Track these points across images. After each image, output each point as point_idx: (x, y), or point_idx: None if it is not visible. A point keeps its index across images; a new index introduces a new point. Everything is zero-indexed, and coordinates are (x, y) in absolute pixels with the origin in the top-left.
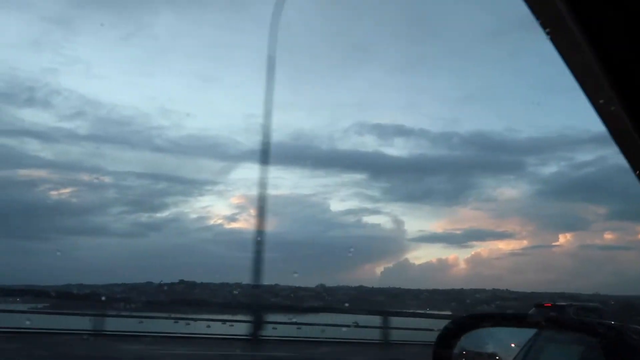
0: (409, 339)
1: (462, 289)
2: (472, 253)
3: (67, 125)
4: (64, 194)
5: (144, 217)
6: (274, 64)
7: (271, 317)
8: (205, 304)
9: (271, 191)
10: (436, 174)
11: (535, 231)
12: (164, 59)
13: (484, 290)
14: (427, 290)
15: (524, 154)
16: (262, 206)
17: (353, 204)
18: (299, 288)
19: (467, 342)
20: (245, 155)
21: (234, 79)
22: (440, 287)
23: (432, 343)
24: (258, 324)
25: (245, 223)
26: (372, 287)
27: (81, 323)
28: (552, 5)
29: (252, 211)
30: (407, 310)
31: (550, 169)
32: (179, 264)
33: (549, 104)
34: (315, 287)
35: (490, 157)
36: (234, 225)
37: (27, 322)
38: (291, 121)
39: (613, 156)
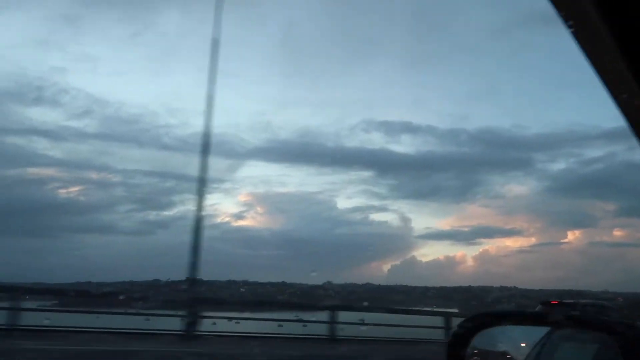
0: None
1: (469, 286)
2: (480, 250)
3: (75, 123)
4: (73, 192)
5: (152, 215)
6: (218, 48)
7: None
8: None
9: (278, 189)
10: (444, 170)
11: (543, 228)
12: (172, 57)
13: (491, 288)
14: (434, 288)
15: (532, 150)
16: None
17: (360, 201)
18: (307, 286)
19: (478, 340)
20: (252, 152)
21: (240, 76)
22: (448, 284)
23: (430, 340)
24: (193, 319)
25: (253, 221)
26: (380, 285)
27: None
28: None
29: (259, 209)
30: (398, 308)
31: (558, 166)
32: (185, 261)
33: (558, 100)
34: (322, 285)
35: (498, 153)
36: (241, 222)
37: (46, 321)
38: (297, 118)
39: (622, 152)
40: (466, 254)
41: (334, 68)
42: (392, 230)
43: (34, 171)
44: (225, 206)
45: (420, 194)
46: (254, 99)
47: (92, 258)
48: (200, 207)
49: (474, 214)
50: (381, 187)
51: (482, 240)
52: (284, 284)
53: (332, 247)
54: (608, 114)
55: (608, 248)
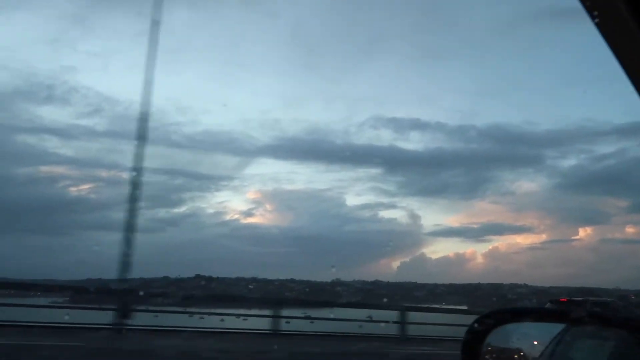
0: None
1: (479, 283)
2: (490, 247)
3: (85, 122)
4: (83, 190)
5: (162, 212)
6: (158, 30)
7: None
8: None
9: (286, 186)
10: (453, 167)
11: (554, 225)
12: (180, 55)
13: (501, 285)
14: (443, 285)
15: (543, 146)
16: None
17: (369, 198)
18: (314, 283)
19: (491, 337)
20: (261, 150)
21: (249, 74)
22: (457, 281)
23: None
24: (124, 313)
25: (262, 218)
26: (388, 282)
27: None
28: None
29: (268, 206)
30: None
31: (569, 162)
32: (195, 258)
33: (568, 95)
34: (331, 282)
35: (508, 150)
36: (250, 220)
37: (66, 317)
38: (306, 115)
39: (634, 148)
40: (476, 251)
41: (342, 65)
42: (401, 227)
43: (45, 169)
44: (235, 204)
45: (429, 191)
46: (263, 96)
47: (103, 255)
48: (133, 201)
49: (483, 210)
50: (390, 184)
51: (492, 237)
52: (292, 280)
53: (341, 244)
54: (619, 110)
55: (620, 245)
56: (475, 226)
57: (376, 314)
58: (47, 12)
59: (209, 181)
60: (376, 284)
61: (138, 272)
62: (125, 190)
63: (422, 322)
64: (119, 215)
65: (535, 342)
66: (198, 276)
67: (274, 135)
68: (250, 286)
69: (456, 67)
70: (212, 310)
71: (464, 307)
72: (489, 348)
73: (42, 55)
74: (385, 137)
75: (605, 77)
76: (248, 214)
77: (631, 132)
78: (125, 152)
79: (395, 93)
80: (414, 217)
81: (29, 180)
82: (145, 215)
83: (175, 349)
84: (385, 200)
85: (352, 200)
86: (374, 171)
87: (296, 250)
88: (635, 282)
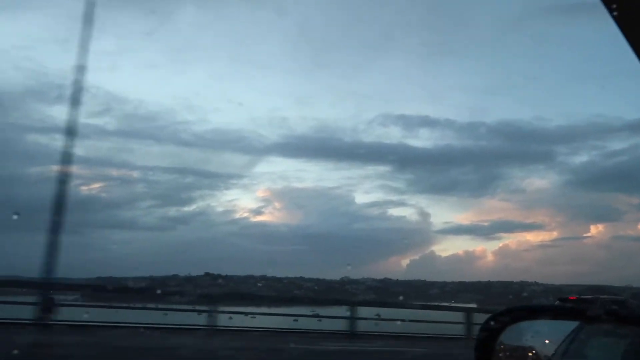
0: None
1: (489, 281)
2: (500, 245)
3: (95, 121)
4: (94, 189)
5: (172, 210)
6: (93, 9)
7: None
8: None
9: (295, 184)
10: (462, 164)
11: (565, 222)
12: (188, 54)
13: (511, 283)
14: (452, 283)
15: (554, 143)
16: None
17: (378, 196)
18: (323, 280)
19: (504, 335)
20: (270, 148)
21: (258, 72)
22: (467, 279)
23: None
24: (47, 307)
25: (271, 216)
26: (397, 280)
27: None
28: None
29: (277, 204)
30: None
31: (580, 158)
32: (204, 256)
33: (579, 91)
34: (340, 280)
35: (519, 146)
36: (259, 218)
37: (85, 315)
38: (314, 113)
39: None
40: (486, 249)
41: (351, 62)
42: (411, 225)
43: (56, 169)
44: (244, 202)
45: (438, 189)
46: (271, 94)
47: (113, 253)
48: (62, 190)
49: (493, 208)
50: (399, 182)
51: (502, 234)
52: (301, 278)
53: (350, 242)
54: (631, 106)
55: (632, 242)
56: (485, 224)
57: (384, 312)
58: (56, 11)
59: (219, 179)
60: (385, 282)
61: (148, 270)
62: (135, 188)
63: (435, 320)
64: (129, 213)
65: (547, 341)
66: (207, 274)
67: (283, 133)
68: (259, 284)
69: (465, 63)
70: (222, 309)
71: (473, 305)
72: (502, 346)
73: (52, 55)
74: (394, 135)
75: (617, 73)
76: (257, 212)
77: None
78: (135, 151)
79: (404, 90)
80: (424, 214)
81: (40, 179)
82: (156, 213)
83: (190, 348)
84: (394, 197)
85: (361, 198)
86: (383, 169)
87: (305, 248)
88: None
